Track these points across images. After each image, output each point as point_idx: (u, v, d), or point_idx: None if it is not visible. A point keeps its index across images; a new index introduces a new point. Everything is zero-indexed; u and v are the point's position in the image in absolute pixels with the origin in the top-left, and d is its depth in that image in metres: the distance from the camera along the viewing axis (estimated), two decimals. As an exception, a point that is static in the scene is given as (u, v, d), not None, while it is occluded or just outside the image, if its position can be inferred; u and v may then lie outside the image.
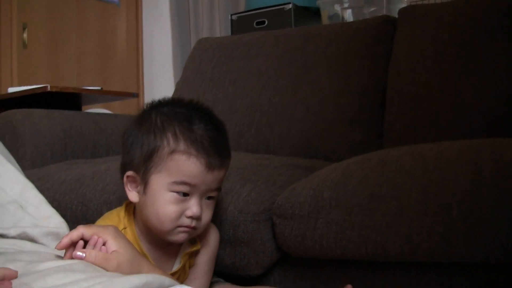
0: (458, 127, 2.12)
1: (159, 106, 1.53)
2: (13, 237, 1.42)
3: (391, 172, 1.54)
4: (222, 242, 1.74)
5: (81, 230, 1.31)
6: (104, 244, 1.31)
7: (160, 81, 4.54)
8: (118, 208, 1.61)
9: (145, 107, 1.56)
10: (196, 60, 2.93)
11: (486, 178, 1.42)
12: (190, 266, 1.64)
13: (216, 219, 1.73)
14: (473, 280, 1.50)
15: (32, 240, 1.44)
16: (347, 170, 1.64)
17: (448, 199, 1.44)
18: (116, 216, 1.58)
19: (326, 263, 1.69)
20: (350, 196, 1.56)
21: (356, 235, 1.53)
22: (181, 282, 1.40)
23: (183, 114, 1.49)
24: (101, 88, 3.97)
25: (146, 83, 4.74)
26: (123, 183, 1.53)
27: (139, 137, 1.48)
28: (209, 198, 1.50)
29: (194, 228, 1.48)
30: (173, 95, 2.80)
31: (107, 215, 1.61)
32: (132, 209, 1.58)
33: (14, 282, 1.05)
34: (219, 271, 1.81)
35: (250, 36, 2.84)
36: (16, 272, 1.10)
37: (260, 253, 1.72)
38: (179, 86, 2.93)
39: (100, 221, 1.58)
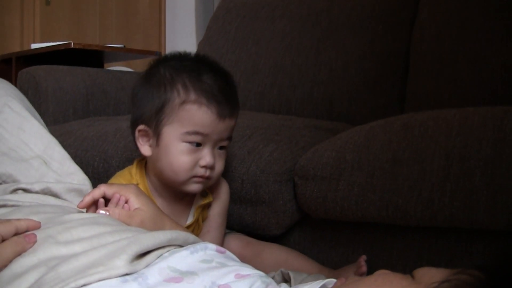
0: (481, 95, 2.10)
1: (166, 60, 1.55)
2: (37, 192, 1.44)
3: (414, 136, 1.54)
4: (243, 201, 1.75)
5: (103, 189, 1.32)
6: (126, 202, 1.32)
7: (182, 40, 4.53)
8: (129, 166, 1.64)
9: (151, 63, 1.58)
10: (219, 19, 2.92)
11: (509, 145, 1.41)
12: (203, 220, 1.67)
13: (237, 178, 1.74)
14: (493, 247, 1.50)
15: (55, 195, 1.46)
16: (370, 133, 1.64)
17: (471, 165, 1.43)
18: (128, 174, 1.60)
19: (346, 225, 1.70)
20: (373, 159, 1.56)
21: (378, 198, 1.54)
22: (196, 235, 1.42)
23: (190, 66, 1.52)
24: (124, 46, 3.98)
25: (169, 42, 4.73)
26: (134, 139, 1.55)
27: (149, 91, 1.50)
28: (220, 148, 1.52)
29: (208, 178, 1.51)
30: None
31: (119, 173, 1.63)
32: (144, 165, 1.60)
33: (39, 235, 1.07)
34: (239, 230, 1.83)
35: (275, -4, 2.82)
36: (39, 223, 1.11)
37: (281, 213, 1.74)
38: (201, 45, 2.93)
39: (112, 180, 1.60)
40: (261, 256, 1.73)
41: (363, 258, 1.61)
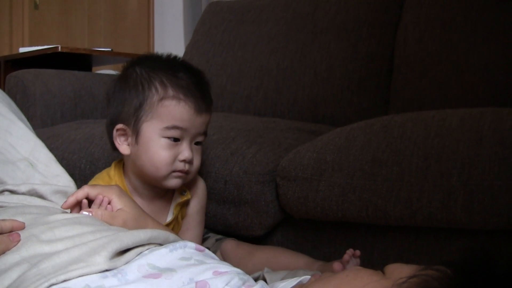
0: (464, 96, 2.13)
1: (140, 61, 1.59)
2: (23, 193, 1.46)
3: (393, 138, 1.57)
4: (226, 201, 1.78)
5: (86, 190, 1.34)
6: (109, 203, 1.35)
7: (170, 44, 4.54)
8: (107, 169, 1.66)
9: (125, 65, 1.61)
10: (206, 23, 2.94)
11: (486, 146, 1.45)
12: (182, 218, 1.69)
13: (221, 179, 1.77)
14: (470, 246, 1.52)
15: (41, 197, 1.48)
16: (350, 134, 1.66)
17: (448, 165, 1.46)
18: (106, 176, 1.62)
19: (327, 225, 1.73)
20: (353, 160, 1.59)
21: (357, 199, 1.56)
22: (176, 233, 1.45)
23: (165, 64, 1.56)
24: (112, 50, 3.99)
25: (157, 46, 4.74)
26: (110, 140, 1.58)
27: (127, 91, 1.53)
28: (197, 143, 1.56)
29: (187, 172, 1.54)
30: (183, 57, 2.82)
31: (98, 175, 1.66)
32: (122, 167, 1.63)
33: (23, 234, 1.09)
34: (223, 231, 1.85)
35: (261, 0, 2.84)
36: (23, 223, 1.13)
37: (264, 214, 1.76)
38: (189, 49, 2.95)
39: (91, 182, 1.62)
40: (253, 254, 1.75)
41: (350, 251, 1.61)
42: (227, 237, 1.85)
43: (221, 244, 1.81)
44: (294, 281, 1.06)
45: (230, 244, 1.80)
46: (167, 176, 1.53)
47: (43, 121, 2.47)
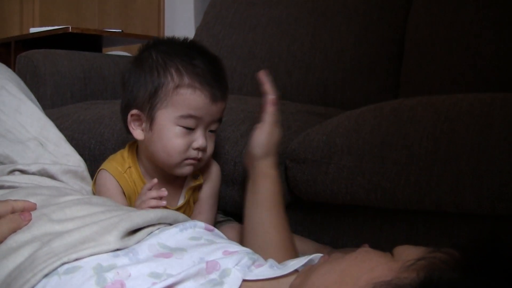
0: (475, 81, 2.12)
1: (156, 45, 1.56)
2: (33, 173, 1.47)
3: (403, 121, 1.56)
4: (236, 183, 1.78)
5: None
6: None
7: (181, 25, 4.54)
8: (121, 150, 1.66)
9: (141, 47, 1.60)
10: (217, 5, 2.94)
11: (496, 131, 1.44)
12: (195, 202, 1.69)
13: (230, 160, 1.77)
14: (478, 231, 1.53)
15: (51, 176, 1.49)
16: (360, 117, 1.66)
17: (457, 150, 1.46)
18: (120, 157, 1.62)
19: (335, 208, 1.73)
20: (362, 143, 1.58)
21: (366, 182, 1.56)
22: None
23: (182, 50, 1.53)
24: (122, 31, 3.99)
25: (167, 27, 4.73)
26: (125, 124, 1.57)
27: (142, 76, 1.51)
28: (211, 131, 1.55)
29: (200, 159, 1.54)
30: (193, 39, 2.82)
31: (112, 157, 1.65)
32: (135, 149, 1.63)
33: (35, 213, 1.10)
34: (231, 211, 1.85)
35: (272, -18, 2.84)
36: (35, 204, 1.14)
37: (272, 196, 1.76)
38: (199, 30, 2.94)
39: (105, 163, 1.61)
40: None
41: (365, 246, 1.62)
42: (230, 219, 1.85)
43: (219, 228, 1.80)
44: (304, 259, 1.07)
45: (230, 232, 1.79)
46: (179, 164, 1.52)
47: (53, 102, 2.48)
